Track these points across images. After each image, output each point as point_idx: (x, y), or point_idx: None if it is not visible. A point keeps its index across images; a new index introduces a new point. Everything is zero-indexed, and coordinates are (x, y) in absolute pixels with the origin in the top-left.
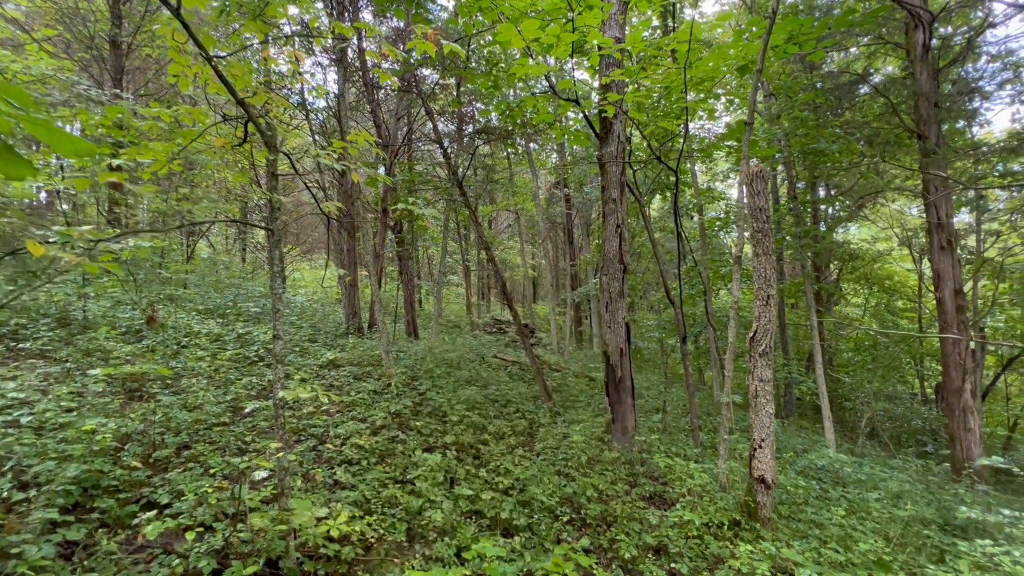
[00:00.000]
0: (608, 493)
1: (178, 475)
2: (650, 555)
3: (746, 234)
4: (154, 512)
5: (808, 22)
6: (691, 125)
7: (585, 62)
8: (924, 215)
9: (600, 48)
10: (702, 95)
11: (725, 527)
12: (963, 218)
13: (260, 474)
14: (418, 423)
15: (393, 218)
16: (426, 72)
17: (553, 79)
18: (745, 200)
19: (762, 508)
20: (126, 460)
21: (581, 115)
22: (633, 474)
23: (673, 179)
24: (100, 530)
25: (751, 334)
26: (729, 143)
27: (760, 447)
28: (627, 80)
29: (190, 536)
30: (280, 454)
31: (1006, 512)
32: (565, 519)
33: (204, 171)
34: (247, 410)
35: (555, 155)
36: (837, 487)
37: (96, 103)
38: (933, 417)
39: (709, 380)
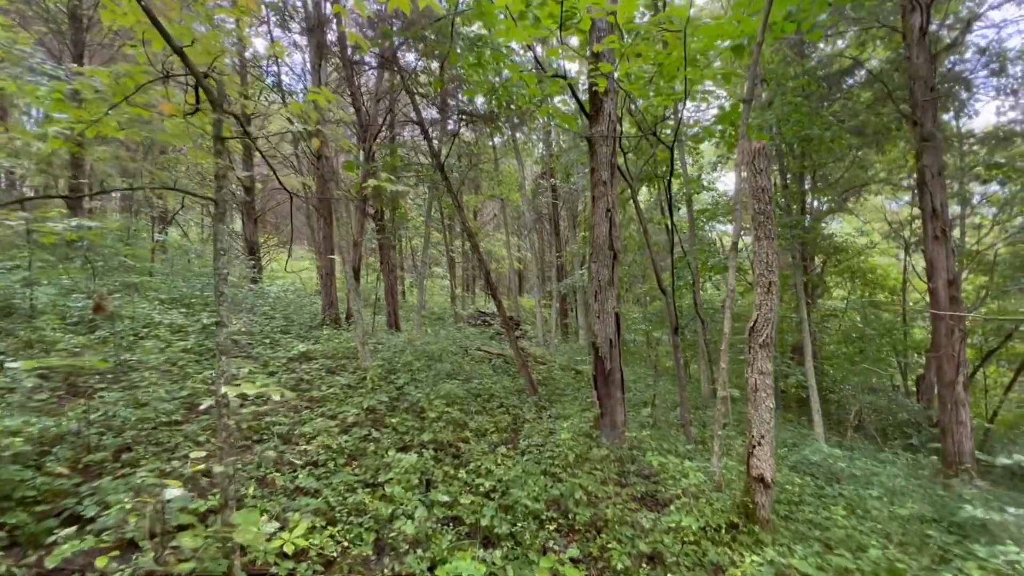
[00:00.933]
0: (598, 495)
1: (110, 483)
2: (644, 564)
3: (744, 221)
4: (75, 528)
5: None
6: (679, 111)
7: (574, 41)
8: (912, 207)
9: (591, 9)
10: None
11: (723, 530)
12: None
13: (172, 492)
14: (394, 420)
15: (373, 206)
16: (410, 58)
17: (540, 50)
18: (744, 180)
19: (761, 509)
20: (51, 466)
21: (569, 94)
22: (623, 472)
23: (663, 169)
24: (9, 550)
25: (751, 324)
26: (720, 128)
27: (759, 444)
28: (618, 52)
29: (101, 562)
30: (225, 463)
31: (1012, 511)
32: (552, 526)
33: (174, 153)
34: (202, 407)
35: (541, 145)
36: (832, 483)
37: (51, 77)
38: (916, 409)
39: (696, 374)
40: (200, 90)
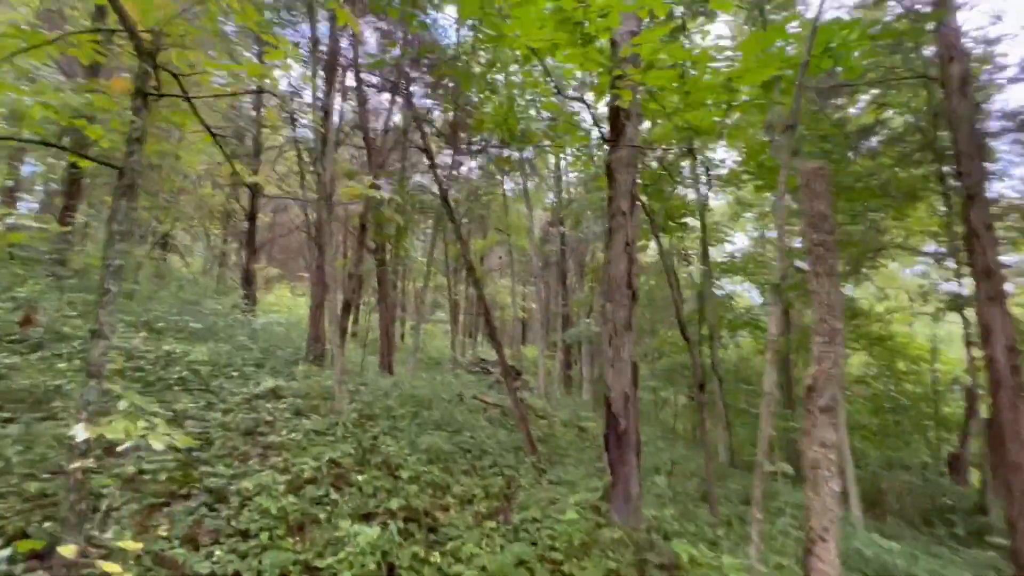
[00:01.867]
0: None
1: None
2: None
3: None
4: None
5: (854, 25)
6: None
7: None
8: (937, 269)
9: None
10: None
11: None
12: None
13: None
14: (361, 477)
15: (374, 239)
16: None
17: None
18: (802, 203)
19: None
20: None
21: (587, 115)
22: (642, 563)
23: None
24: None
25: (808, 382)
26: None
27: (822, 539)
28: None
29: None
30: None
31: None
32: None
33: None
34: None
35: (551, 193)
36: None
37: None
38: (957, 492)
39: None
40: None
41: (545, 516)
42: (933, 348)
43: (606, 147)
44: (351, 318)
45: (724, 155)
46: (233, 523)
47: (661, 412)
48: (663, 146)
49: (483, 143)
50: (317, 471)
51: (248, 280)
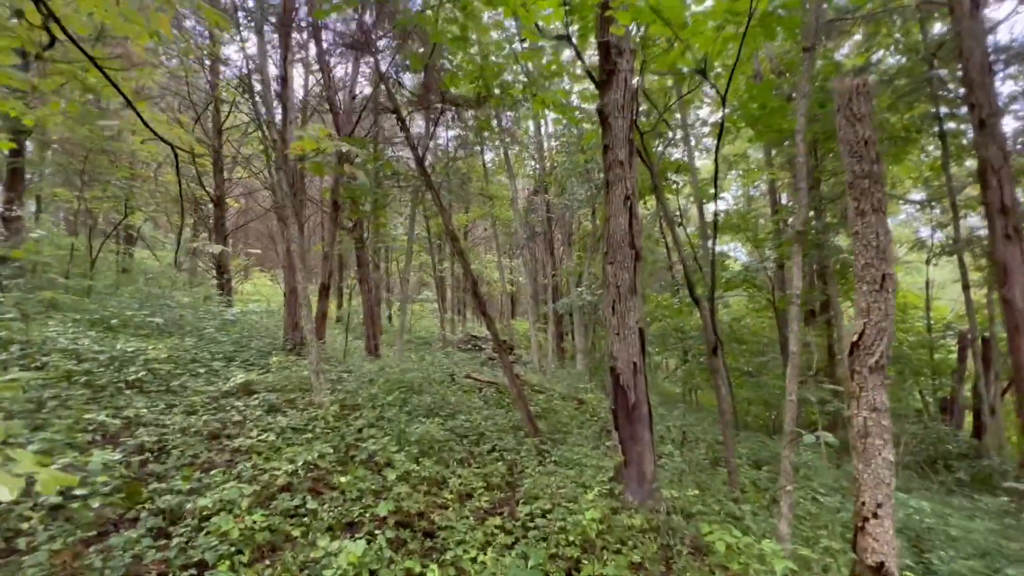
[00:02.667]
0: None
1: None
2: None
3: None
4: None
5: None
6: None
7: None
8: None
9: None
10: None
11: None
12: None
13: None
14: (343, 479)
15: (349, 216)
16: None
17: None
18: (840, 130)
19: None
20: None
21: (574, 54)
22: (667, 552)
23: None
24: None
25: (854, 338)
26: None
27: (876, 515)
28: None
29: None
30: None
31: None
32: None
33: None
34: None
35: (533, 161)
36: (931, 551)
37: None
38: (958, 438)
39: (707, 402)
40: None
41: (555, 506)
42: (928, 295)
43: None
44: (332, 302)
45: (710, 111)
46: (186, 553)
47: (653, 376)
48: (665, 71)
49: (458, 102)
50: (292, 476)
51: (220, 269)
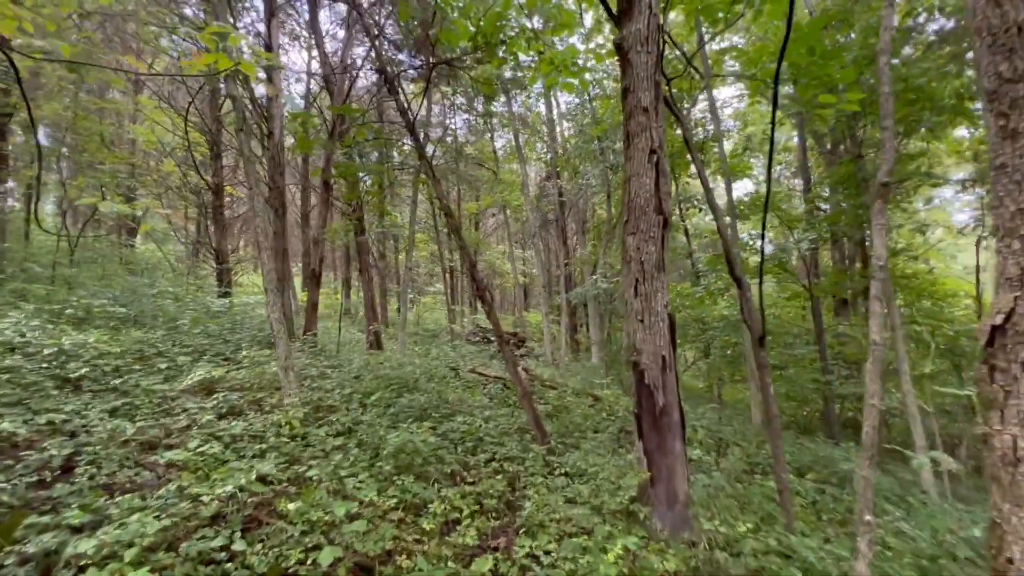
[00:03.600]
0: None
1: None
2: None
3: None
4: None
5: None
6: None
7: None
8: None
9: None
10: None
11: None
12: None
13: None
14: (291, 506)
15: (346, 199)
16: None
17: None
18: (977, 14)
19: None
20: None
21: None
22: None
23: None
24: None
25: (999, 319)
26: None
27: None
28: None
29: None
30: None
31: None
32: None
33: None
34: None
35: (543, 146)
36: None
37: None
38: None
39: (731, 397)
40: None
41: (564, 537)
42: (977, 280)
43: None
44: (342, 292)
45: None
46: None
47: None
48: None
49: (454, 62)
50: (228, 502)
51: (219, 258)
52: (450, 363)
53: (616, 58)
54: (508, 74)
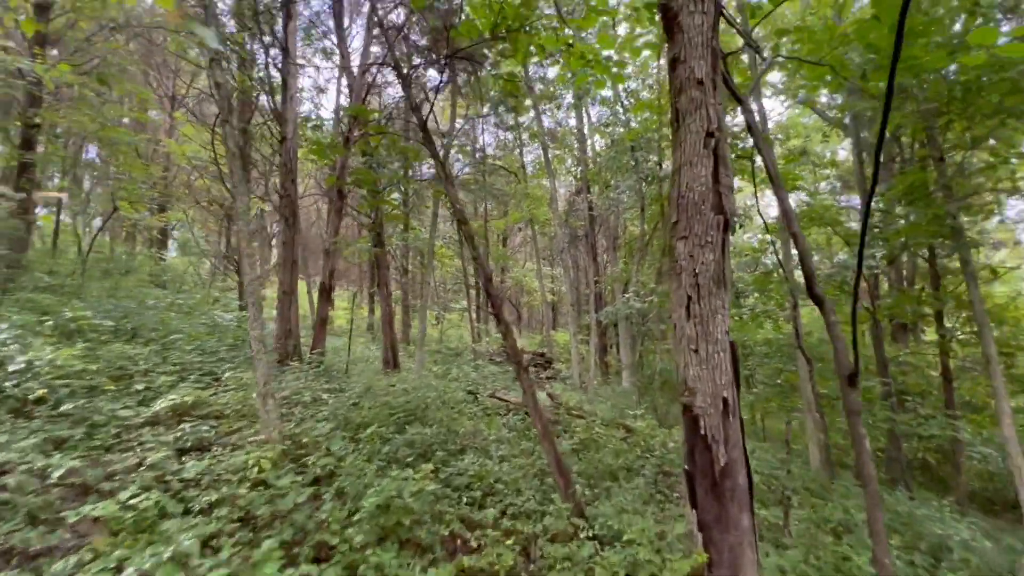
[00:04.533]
0: None
1: None
2: None
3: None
4: None
5: None
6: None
7: None
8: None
9: None
10: None
11: None
12: None
13: None
14: None
15: (359, 209)
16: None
17: None
18: None
19: None
20: None
21: None
22: None
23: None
24: None
25: None
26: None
27: None
28: None
29: None
30: None
31: None
32: None
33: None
34: None
35: (571, 161)
36: None
37: None
38: None
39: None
40: None
41: None
42: None
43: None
44: (364, 308)
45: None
46: None
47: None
48: None
49: (473, 56)
50: None
51: (241, 271)
52: (469, 386)
53: (648, 58)
54: (533, 70)
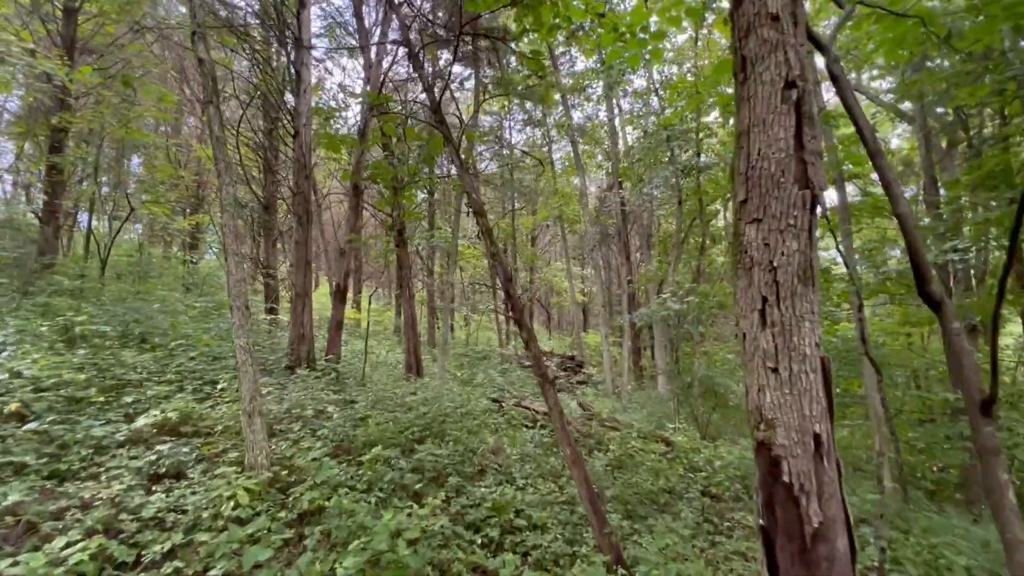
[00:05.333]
0: None
1: None
2: None
3: None
4: None
5: None
6: None
7: None
8: None
9: None
10: None
11: None
12: None
13: None
14: None
15: (378, 205)
16: None
17: None
18: None
19: None
20: None
21: None
22: None
23: None
24: None
25: None
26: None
27: None
28: None
29: None
30: None
31: None
32: None
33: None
34: None
35: (602, 157)
36: None
37: None
38: None
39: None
40: None
41: None
42: None
43: None
44: (390, 311)
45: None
46: None
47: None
48: None
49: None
50: None
51: (268, 275)
52: (493, 392)
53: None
54: (561, 63)
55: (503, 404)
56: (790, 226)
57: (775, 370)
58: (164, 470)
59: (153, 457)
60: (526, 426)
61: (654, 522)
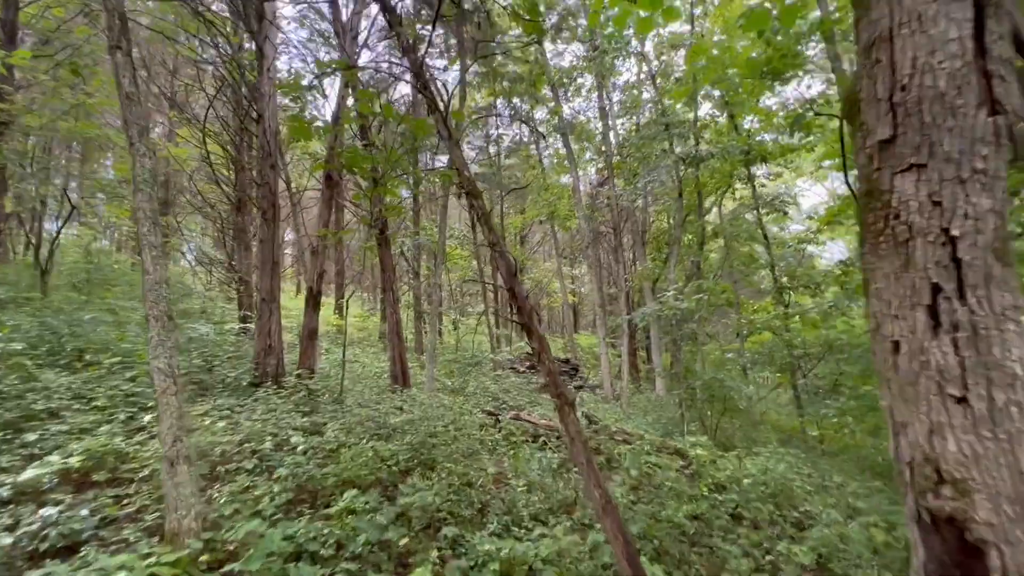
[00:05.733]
0: None
1: None
2: None
3: None
4: None
5: None
6: None
7: None
8: None
9: None
10: None
11: None
12: None
13: None
14: None
15: (354, 198)
16: None
17: None
18: None
19: None
20: None
21: None
22: None
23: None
24: None
25: None
26: None
27: None
28: None
29: None
30: None
31: None
32: None
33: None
34: None
35: (592, 152)
36: None
37: None
38: None
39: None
40: None
41: None
42: None
43: None
44: (376, 317)
45: None
46: None
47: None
48: None
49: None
50: None
51: (241, 280)
52: (488, 403)
53: None
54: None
55: (499, 417)
56: (976, 173)
57: (962, 400)
58: (48, 544)
59: (35, 527)
60: (526, 441)
61: (693, 566)
